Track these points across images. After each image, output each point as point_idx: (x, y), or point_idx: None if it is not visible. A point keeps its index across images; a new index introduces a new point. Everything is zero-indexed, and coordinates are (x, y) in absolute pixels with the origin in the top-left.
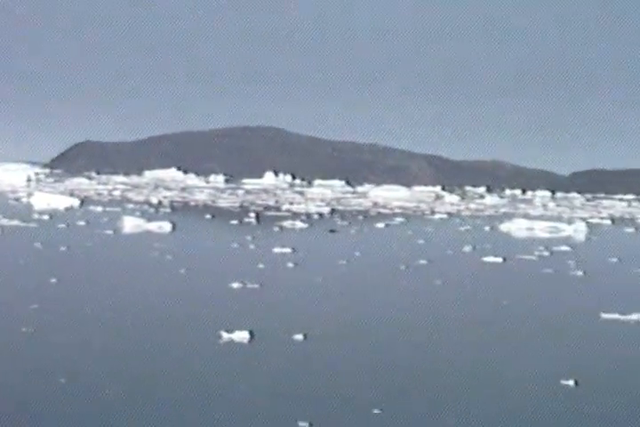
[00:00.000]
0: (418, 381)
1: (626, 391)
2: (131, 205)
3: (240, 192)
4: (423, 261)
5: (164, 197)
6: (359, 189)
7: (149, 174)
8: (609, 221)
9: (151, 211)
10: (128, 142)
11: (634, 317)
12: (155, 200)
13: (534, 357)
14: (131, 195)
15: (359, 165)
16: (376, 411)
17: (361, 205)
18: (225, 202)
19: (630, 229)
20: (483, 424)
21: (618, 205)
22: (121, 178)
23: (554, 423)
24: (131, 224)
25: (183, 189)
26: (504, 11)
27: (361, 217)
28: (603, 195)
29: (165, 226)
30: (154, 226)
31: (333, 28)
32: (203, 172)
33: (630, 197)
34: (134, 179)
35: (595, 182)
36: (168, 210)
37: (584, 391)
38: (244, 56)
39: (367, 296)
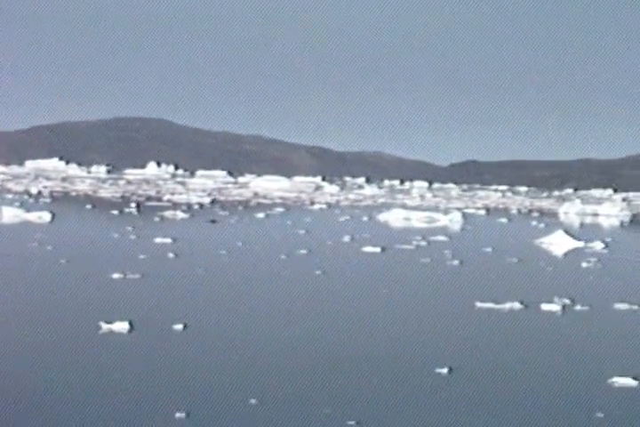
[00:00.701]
0: (294, 371)
1: (499, 379)
2: (10, 196)
3: (122, 182)
4: (303, 251)
5: (45, 188)
6: (241, 179)
7: (30, 164)
8: (484, 212)
9: (31, 201)
10: (10, 132)
11: (507, 305)
12: (34, 190)
13: (409, 345)
14: (10, 185)
15: (242, 155)
16: (253, 401)
17: (242, 195)
18: (106, 192)
19: (504, 220)
20: (357, 413)
21: (492, 195)
22: (1, 168)
23: (427, 410)
24: (9, 214)
25: (64, 180)
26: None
27: (242, 207)
28: (478, 186)
29: (45, 216)
30: (33, 216)
31: (207, 18)
32: (85, 162)
33: (504, 187)
34: (15, 169)
35: (470, 173)
36: (48, 200)
37: (458, 379)
38: (132, 45)
39: (248, 286)
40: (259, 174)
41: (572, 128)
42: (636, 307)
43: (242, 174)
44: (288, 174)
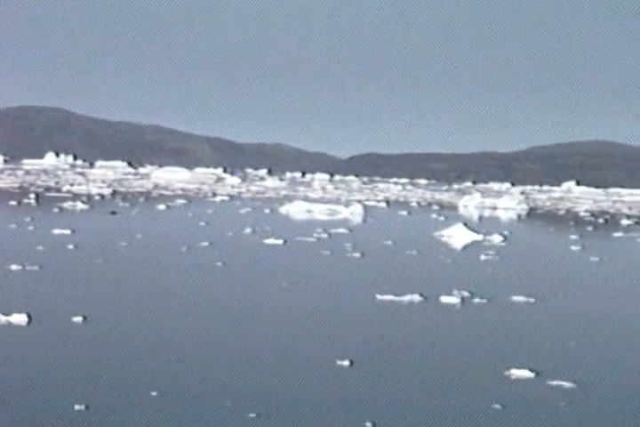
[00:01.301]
0: (195, 363)
1: (399, 371)
2: None
3: (20, 173)
4: (204, 243)
5: None
6: (141, 170)
7: None
8: (384, 204)
9: None
10: None
11: (407, 298)
12: None
13: (310, 337)
14: None
15: (142, 146)
16: (154, 393)
17: (143, 186)
18: (3, 183)
19: (404, 212)
20: (258, 406)
21: (393, 188)
22: None
23: (328, 403)
24: None
25: None
26: None
27: (143, 199)
28: (378, 178)
29: None
30: None
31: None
32: None
33: (404, 180)
34: None
35: (371, 166)
36: None
37: (359, 371)
38: (24, 31)
39: (147, 278)
40: (159, 165)
41: (470, 121)
42: (532, 299)
43: (142, 165)
44: (189, 166)
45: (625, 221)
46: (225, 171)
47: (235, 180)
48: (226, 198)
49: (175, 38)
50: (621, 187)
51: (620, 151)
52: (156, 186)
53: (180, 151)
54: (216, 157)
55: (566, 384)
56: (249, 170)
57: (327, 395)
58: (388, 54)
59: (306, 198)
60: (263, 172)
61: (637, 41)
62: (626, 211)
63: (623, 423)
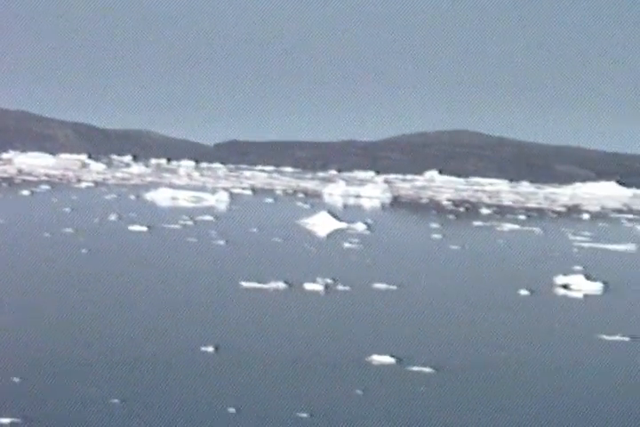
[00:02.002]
0: (56, 350)
1: (263, 357)
2: None
3: None
4: (69, 230)
5: None
6: (4, 155)
7: None
8: (250, 192)
9: None
10: None
11: (271, 285)
12: None
13: (174, 325)
14: None
15: (4, 131)
16: (16, 379)
17: (6, 172)
18: None
19: (270, 200)
20: (122, 393)
21: (258, 175)
22: None
23: (193, 389)
24: None
25: None
26: None
27: (6, 184)
28: (244, 166)
29: None
30: None
31: None
32: None
33: (270, 168)
34: None
35: (237, 153)
36: None
37: (223, 357)
38: None
39: (9, 265)
40: (23, 151)
41: (335, 109)
42: (394, 287)
43: (5, 150)
44: (53, 151)
45: (485, 211)
46: (90, 157)
47: (99, 166)
48: (91, 185)
49: (31, 24)
50: (482, 176)
51: (482, 141)
52: (20, 171)
53: (44, 137)
54: (80, 142)
55: (426, 370)
56: (114, 156)
57: (191, 381)
58: (249, 40)
59: (171, 185)
60: (128, 158)
61: (496, 33)
62: (486, 200)
63: (480, 407)
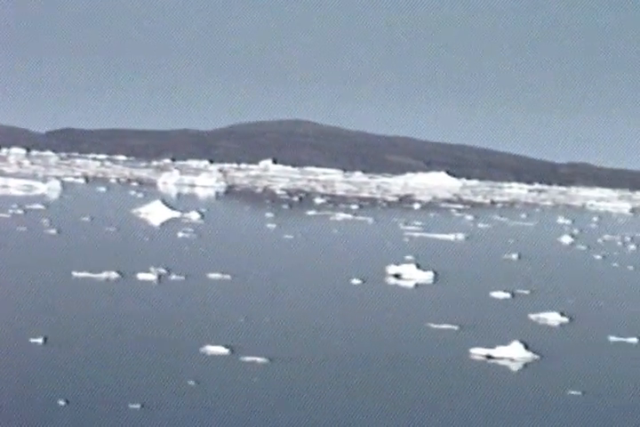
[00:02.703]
0: None
1: (91, 347)
2: None
3: None
4: None
5: None
6: None
7: None
8: (83, 180)
9: None
10: None
11: (104, 275)
12: None
13: (4, 316)
14: None
15: None
16: None
17: None
18: None
19: (103, 188)
20: None
21: (91, 164)
22: None
23: (22, 381)
24: None
25: None
26: None
27: None
28: (77, 154)
29: None
30: None
31: None
32: None
33: (103, 156)
34: None
35: (69, 141)
36: None
37: (52, 348)
38: None
39: None
40: None
41: (169, 98)
42: (228, 276)
43: None
44: None
45: (319, 200)
46: None
47: None
48: None
49: None
50: (316, 166)
51: (316, 131)
52: None
53: None
54: None
55: (259, 360)
56: None
57: (20, 374)
58: (84, 25)
59: (1, 173)
60: None
61: (325, 23)
62: (320, 190)
63: (312, 395)
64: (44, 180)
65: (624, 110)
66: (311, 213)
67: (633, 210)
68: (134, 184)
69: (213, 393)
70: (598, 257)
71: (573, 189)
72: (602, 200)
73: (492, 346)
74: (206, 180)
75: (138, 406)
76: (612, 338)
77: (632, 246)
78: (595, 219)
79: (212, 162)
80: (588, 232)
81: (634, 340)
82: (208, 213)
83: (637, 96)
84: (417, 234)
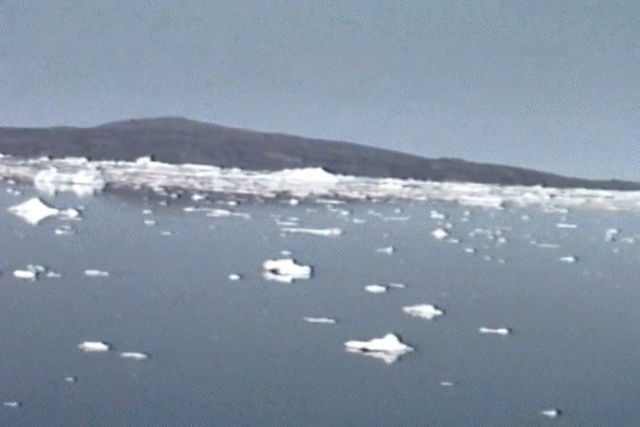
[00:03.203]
0: None
1: None
2: None
3: None
4: None
5: None
6: None
7: None
8: None
9: None
10: None
11: None
12: None
13: None
14: None
15: None
16: None
17: None
18: None
19: None
20: None
21: None
22: None
23: None
24: None
25: None
26: None
27: None
28: None
29: None
30: None
31: None
32: None
33: None
34: None
35: None
36: None
37: None
38: None
39: None
40: None
41: (46, 95)
42: (106, 273)
43: None
44: None
45: (196, 197)
46: None
47: None
48: None
49: None
50: (194, 163)
51: (193, 128)
52: None
53: None
54: None
55: (138, 355)
56: None
57: None
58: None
59: None
60: None
61: (201, 22)
62: (198, 186)
63: (194, 392)
64: None
65: (495, 106)
66: (189, 209)
67: (503, 204)
68: (11, 182)
69: (92, 390)
70: (470, 251)
71: (446, 184)
72: (474, 195)
73: (367, 339)
74: (84, 177)
75: (15, 404)
76: (484, 330)
77: (502, 240)
78: (467, 213)
79: (90, 159)
80: (461, 226)
81: (504, 331)
82: (86, 211)
83: (508, 91)
84: (294, 229)
